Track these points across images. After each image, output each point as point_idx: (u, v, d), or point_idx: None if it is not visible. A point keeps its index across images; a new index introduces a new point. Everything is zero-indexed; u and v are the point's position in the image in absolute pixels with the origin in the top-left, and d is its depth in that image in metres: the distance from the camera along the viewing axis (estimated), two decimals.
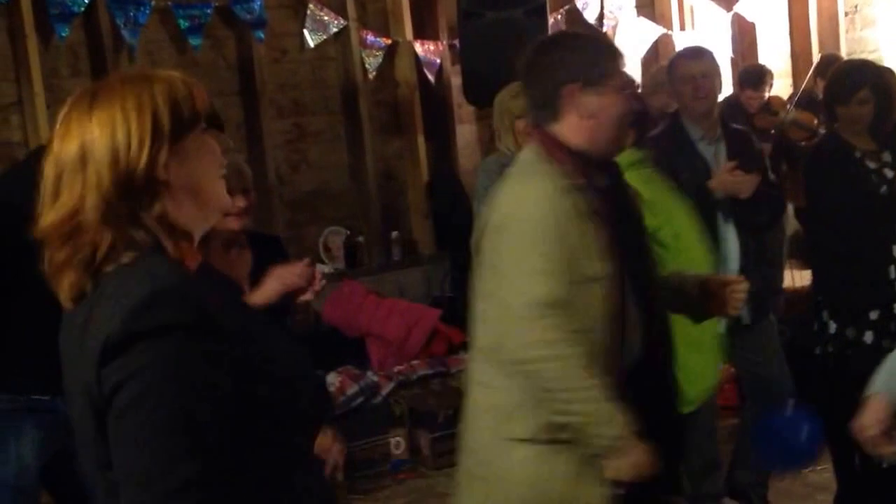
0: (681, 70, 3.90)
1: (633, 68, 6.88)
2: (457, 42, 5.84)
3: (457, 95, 6.12)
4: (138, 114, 1.55)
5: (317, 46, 5.70)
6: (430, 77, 6.01)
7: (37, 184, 1.71)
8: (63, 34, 4.95)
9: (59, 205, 1.56)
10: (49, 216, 1.57)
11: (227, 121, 5.00)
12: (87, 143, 1.55)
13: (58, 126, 1.60)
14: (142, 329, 1.45)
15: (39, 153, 2.78)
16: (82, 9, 4.97)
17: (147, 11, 5.14)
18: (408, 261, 6.01)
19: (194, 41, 5.35)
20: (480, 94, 5.50)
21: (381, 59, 5.91)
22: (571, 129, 2.39)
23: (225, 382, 1.49)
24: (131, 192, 1.54)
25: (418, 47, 5.98)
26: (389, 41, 5.97)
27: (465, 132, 6.37)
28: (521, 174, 2.43)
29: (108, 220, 1.53)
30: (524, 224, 2.30)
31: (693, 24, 7.22)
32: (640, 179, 2.95)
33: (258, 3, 5.48)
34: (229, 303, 1.61)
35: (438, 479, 4.80)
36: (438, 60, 6.05)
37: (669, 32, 7.00)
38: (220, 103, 5.10)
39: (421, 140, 6.11)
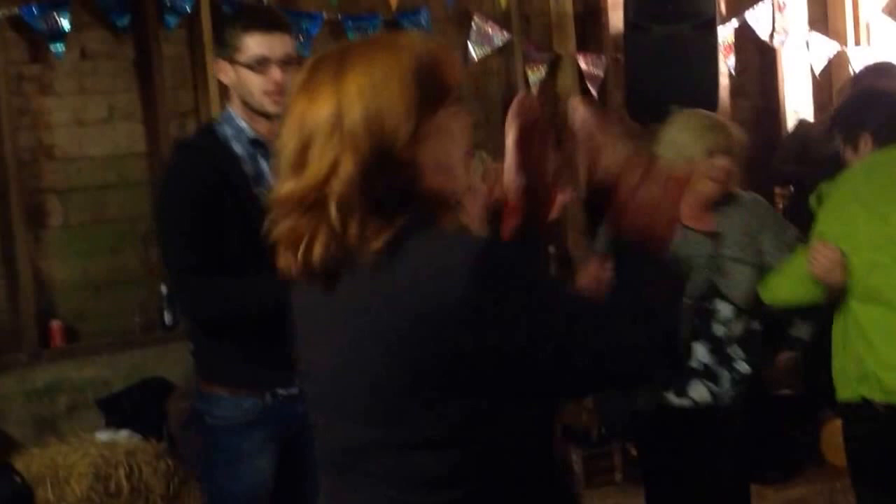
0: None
1: (806, 86, 6.68)
2: (621, 56, 5.77)
3: (618, 111, 6.04)
4: (400, 80, 1.42)
5: (480, 60, 5.72)
6: (593, 91, 5.95)
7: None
8: None
9: (308, 174, 1.43)
10: (290, 185, 1.44)
11: None
12: (341, 110, 1.41)
13: (296, 93, 1.47)
14: (484, 290, 1.40)
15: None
16: None
17: (319, 23, 5.26)
18: (564, 277, 5.94)
19: None
20: (644, 109, 5.41)
21: (543, 73, 5.88)
22: None
23: (558, 326, 1.45)
24: (389, 163, 1.41)
25: (581, 61, 5.93)
26: (552, 54, 5.94)
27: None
28: None
29: (363, 192, 1.40)
30: None
31: (869, 40, 6.94)
32: None
33: (424, 15, 5.53)
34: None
35: (592, 499, 4.74)
36: (602, 74, 5.99)
37: (844, 48, 6.75)
38: None
39: (580, 155, 6.03)
